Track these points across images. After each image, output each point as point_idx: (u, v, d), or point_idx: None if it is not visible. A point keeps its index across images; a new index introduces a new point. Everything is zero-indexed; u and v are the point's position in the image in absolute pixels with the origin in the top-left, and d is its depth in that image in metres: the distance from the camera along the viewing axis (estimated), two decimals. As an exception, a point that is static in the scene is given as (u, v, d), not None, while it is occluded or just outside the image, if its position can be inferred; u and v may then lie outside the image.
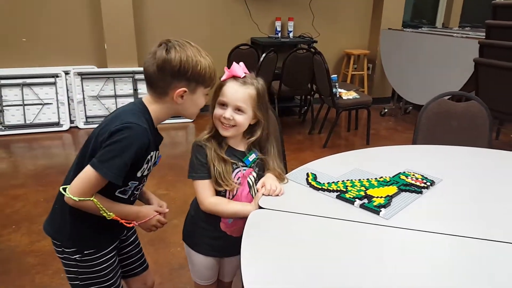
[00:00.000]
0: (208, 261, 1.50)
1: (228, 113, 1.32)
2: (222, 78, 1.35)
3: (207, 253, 1.48)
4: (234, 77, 1.34)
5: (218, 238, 1.45)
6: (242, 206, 1.36)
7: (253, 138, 1.41)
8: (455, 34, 4.67)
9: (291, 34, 5.26)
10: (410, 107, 5.46)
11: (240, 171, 1.39)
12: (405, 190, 1.42)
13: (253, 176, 1.42)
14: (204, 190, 1.35)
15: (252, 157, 1.41)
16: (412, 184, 1.45)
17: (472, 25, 6.26)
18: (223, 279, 1.64)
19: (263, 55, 3.96)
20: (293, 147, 4.15)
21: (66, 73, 4.56)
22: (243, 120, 1.34)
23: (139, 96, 4.78)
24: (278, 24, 5.16)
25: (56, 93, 4.54)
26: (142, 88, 4.79)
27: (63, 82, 4.53)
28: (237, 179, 1.38)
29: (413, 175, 1.53)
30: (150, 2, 4.77)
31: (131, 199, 1.36)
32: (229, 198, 1.39)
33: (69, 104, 4.61)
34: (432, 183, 1.47)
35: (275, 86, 4.53)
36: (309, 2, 5.33)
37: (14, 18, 4.38)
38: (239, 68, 1.34)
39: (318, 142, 4.37)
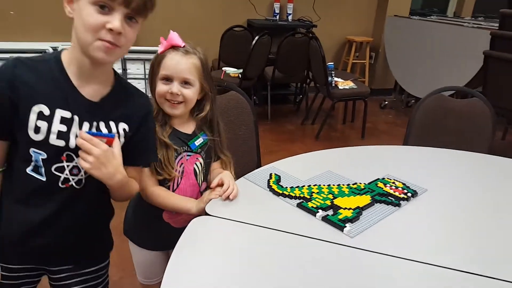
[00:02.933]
0: (153, 256, 1.35)
1: (176, 87, 1.17)
2: (160, 50, 1.19)
3: (152, 247, 1.33)
4: (174, 48, 1.18)
5: (164, 229, 1.29)
6: (184, 202, 1.21)
7: (203, 114, 1.26)
8: (466, 23, 4.38)
9: (290, 17, 4.96)
10: (413, 100, 5.18)
11: (183, 157, 1.21)
12: (380, 201, 1.18)
13: (200, 163, 1.25)
14: (147, 178, 1.19)
15: (199, 141, 1.25)
16: (389, 194, 1.21)
17: (486, 15, 5.93)
18: None
19: (256, 38, 3.70)
20: (284, 137, 3.91)
21: (54, 49, 4.32)
22: (192, 94, 1.20)
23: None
24: (276, 5, 4.85)
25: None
26: (132, 67, 4.54)
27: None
28: (180, 166, 1.21)
29: (393, 182, 1.29)
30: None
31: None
32: (173, 188, 1.23)
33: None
34: (414, 194, 1.23)
35: (268, 72, 4.27)
36: (310, -17, 5.02)
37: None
38: (178, 37, 1.18)
39: (310, 133, 4.11)
